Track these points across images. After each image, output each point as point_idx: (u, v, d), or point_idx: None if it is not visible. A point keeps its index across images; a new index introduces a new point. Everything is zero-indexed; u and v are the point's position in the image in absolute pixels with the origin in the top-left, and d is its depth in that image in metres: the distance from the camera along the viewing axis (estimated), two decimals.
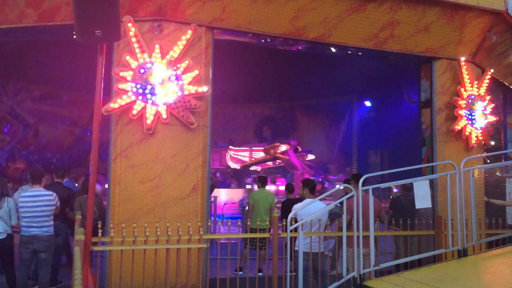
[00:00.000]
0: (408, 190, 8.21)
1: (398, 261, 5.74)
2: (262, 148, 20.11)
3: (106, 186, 7.18)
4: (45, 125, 18.44)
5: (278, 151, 19.59)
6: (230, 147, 20.60)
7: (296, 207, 5.77)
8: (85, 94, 14.39)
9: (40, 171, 6.34)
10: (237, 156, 20.61)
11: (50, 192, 6.17)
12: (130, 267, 5.07)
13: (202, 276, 5.98)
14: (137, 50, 6.64)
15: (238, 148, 20.77)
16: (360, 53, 8.80)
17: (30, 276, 6.70)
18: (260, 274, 7.54)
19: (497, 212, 8.77)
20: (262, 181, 8.80)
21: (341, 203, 5.43)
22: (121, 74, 6.59)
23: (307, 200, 5.94)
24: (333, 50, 8.58)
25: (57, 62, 14.26)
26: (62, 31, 7.50)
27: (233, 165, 20.37)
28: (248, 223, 5.69)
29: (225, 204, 14.46)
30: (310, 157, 20.80)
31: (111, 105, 6.55)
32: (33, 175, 6.21)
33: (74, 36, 4.56)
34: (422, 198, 5.58)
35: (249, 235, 7.51)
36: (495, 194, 10.20)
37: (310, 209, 5.53)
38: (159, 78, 6.61)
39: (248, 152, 20.54)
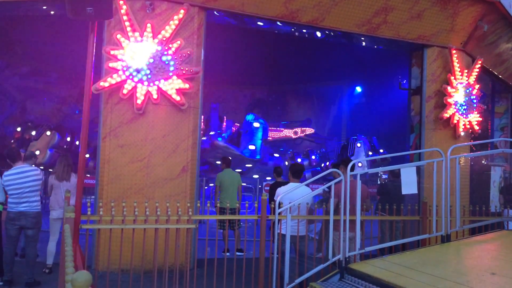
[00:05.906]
0: (397, 176, 8.31)
1: (383, 245, 5.82)
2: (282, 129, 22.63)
3: None
4: (33, 102, 18.24)
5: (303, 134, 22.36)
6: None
7: (281, 191, 5.79)
8: (74, 72, 14.22)
9: (15, 150, 6.48)
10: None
11: (35, 168, 6.17)
12: (118, 246, 5.09)
13: (190, 256, 6.03)
14: (128, 29, 6.56)
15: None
16: (352, 39, 8.79)
17: (17, 252, 6.71)
18: (240, 254, 7.53)
19: (481, 199, 8.94)
20: (226, 162, 9.01)
21: (329, 187, 5.48)
22: (112, 52, 6.52)
23: (290, 184, 5.97)
24: (326, 34, 8.55)
25: (46, 38, 14.02)
26: (52, 6, 7.37)
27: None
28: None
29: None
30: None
31: (101, 83, 6.49)
32: (10, 155, 6.22)
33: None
34: (408, 184, 5.64)
35: (238, 217, 7.55)
36: (480, 182, 10.38)
37: (296, 193, 5.56)
38: (150, 58, 6.56)
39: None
